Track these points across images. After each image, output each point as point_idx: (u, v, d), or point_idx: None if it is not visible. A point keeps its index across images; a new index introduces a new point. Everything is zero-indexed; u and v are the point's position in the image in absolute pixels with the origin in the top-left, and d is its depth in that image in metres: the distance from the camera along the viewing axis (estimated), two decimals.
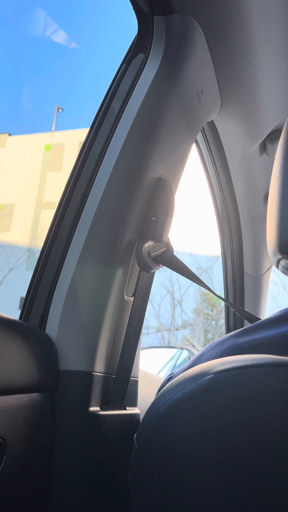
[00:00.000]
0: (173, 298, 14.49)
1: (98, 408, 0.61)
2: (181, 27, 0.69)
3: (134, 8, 0.69)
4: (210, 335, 14.40)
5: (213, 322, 14.72)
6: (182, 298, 14.57)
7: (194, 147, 0.84)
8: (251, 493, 0.37)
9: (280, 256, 0.51)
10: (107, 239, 0.65)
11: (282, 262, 0.52)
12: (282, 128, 0.67)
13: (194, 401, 0.40)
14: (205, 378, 0.40)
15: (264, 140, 1.04)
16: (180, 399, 0.41)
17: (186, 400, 0.40)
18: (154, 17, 0.68)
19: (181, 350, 2.30)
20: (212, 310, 14.67)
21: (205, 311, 14.74)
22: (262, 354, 0.42)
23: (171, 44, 0.69)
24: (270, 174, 0.57)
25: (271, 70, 0.83)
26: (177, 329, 14.47)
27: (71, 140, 17.29)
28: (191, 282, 0.73)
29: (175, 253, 0.73)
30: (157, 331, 14.16)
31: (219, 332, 14.00)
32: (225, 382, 0.39)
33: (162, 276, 13.70)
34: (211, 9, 0.69)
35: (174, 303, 14.50)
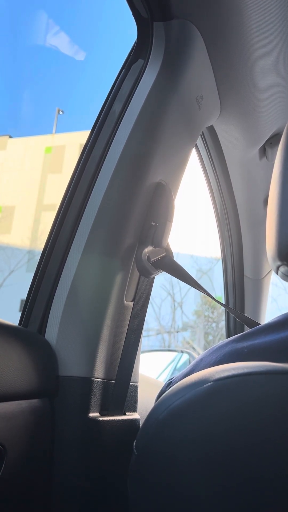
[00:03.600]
0: (174, 300, 14.48)
1: (97, 414, 0.61)
2: (180, 33, 0.69)
3: (133, 14, 0.69)
4: (210, 337, 14.37)
5: (214, 324, 14.69)
6: (183, 300, 14.55)
7: (194, 152, 0.85)
8: (251, 499, 0.37)
9: (279, 263, 0.51)
10: (107, 244, 0.65)
11: (282, 269, 0.52)
12: (282, 132, 0.67)
13: (194, 408, 0.40)
14: (205, 385, 0.40)
15: (264, 144, 1.04)
16: (180, 406, 0.41)
17: (185, 407, 0.40)
18: (154, 23, 0.68)
19: (181, 353, 2.29)
20: (212, 312, 14.64)
21: (206, 313, 14.71)
22: (261, 361, 0.42)
23: (170, 50, 0.69)
24: (270, 178, 0.57)
25: (270, 75, 0.83)
26: (177, 331, 14.45)
27: (72, 142, 17.31)
28: None
29: (175, 255, 0.73)
30: (158, 333, 14.15)
31: (219, 334, 13.97)
32: (224, 390, 0.39)
33: (163, 278, 13.68)
34: (210, 15, 0.69)
35: (174, 305, 14.48)
